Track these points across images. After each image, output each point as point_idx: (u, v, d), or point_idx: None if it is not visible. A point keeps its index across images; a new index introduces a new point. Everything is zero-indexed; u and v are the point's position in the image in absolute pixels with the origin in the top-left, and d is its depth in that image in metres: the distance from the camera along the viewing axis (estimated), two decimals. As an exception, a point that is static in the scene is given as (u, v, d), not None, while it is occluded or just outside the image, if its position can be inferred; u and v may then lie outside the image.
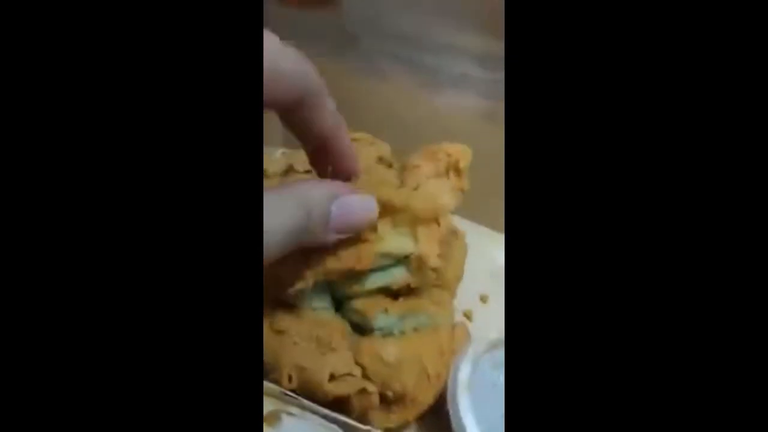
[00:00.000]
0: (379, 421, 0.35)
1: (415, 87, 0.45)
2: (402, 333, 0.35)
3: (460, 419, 0.33)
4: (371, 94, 0.44)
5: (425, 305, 0.36)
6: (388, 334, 0.35)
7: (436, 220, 0.35)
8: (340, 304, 0.36)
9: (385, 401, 0.35)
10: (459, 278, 0.39)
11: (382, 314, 0.35)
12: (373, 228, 0.32)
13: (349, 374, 0.34)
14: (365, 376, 0.34)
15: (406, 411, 0.35)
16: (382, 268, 0.34)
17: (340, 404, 0.34)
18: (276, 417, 0.32)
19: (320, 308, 0.35)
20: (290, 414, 0.32)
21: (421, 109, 0.45)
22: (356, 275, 0.34)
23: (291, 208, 0.27)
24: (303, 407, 0.32)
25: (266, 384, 0.32)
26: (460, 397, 0.34)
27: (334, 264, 0.32)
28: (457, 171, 0.39)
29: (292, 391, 0.33)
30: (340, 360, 0.34)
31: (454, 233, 0.40)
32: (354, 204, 0.30)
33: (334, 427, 0.32)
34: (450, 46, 0.47)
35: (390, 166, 0.42)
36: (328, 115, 0.30)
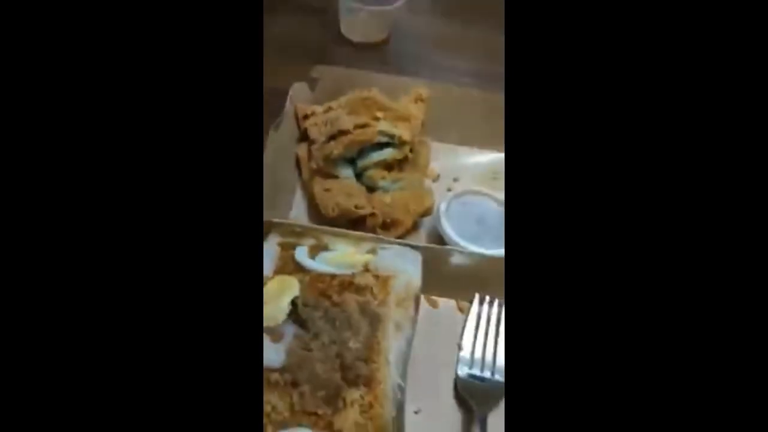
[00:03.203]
0: (384, 234, 0.60)
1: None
2: (395, 191, 0.63)
3: (444, 229, 0.60)
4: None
5: (404, 176, 0.64)
6: (386, 191, 0.63)
7: (409, 119, 0.65)
8: (359, 176, 0.65)
9: (386, 225, 0.61)
10: (427, 166, 0.68)
11: (382, 179, 0.63)
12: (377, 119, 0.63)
13: (364, 207, 0.61)
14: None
15: (398, 229, 0.61)
16: (380, 147, 0.63)
17: (362, 222, 0.61)
18: (374, 251, 0.54)
19: (347, 177, 0.64)
20: (383, 248, 0.54)
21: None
22: (366, 149, 0.63)
23: None
24: (391, 242, 0.55)
25: (363, 234, 0.56)
26: (442, 218, 0.61)
27: (352, 138, 0.62)
28: (422, 100, 0.69)
29: (334, 218, 0.61)
30: (360, 200, 0.62)
31: (423, 142, 0.69)
32: None
33: (415, 251, 0.55)
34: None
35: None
36: None
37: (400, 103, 0.67)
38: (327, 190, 0.62)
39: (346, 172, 0.64)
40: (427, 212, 0.62)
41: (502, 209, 0.63)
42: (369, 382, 0.44)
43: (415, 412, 0.49)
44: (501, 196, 0.63)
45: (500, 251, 0.57)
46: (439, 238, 0.61)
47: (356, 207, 0.60)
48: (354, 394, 0.43)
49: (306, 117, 0.67)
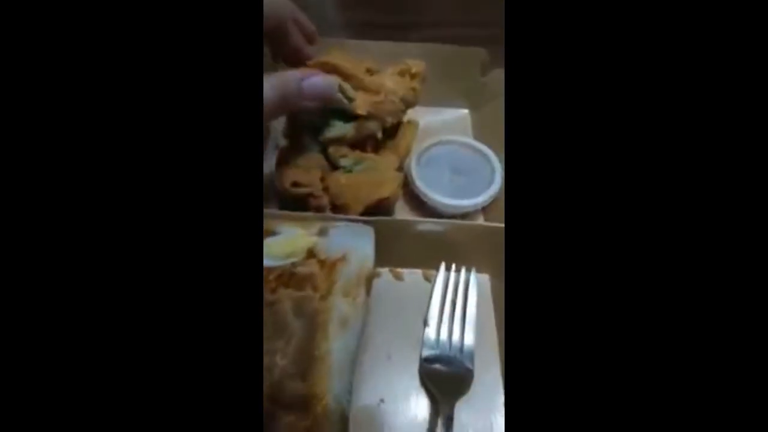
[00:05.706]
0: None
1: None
2: (357, 172, 0.54)
3: (414, 181, 0.57)
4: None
5: (371, 157, 0.54)
6: (348, 171, 0.54)
7: (379, 92, 0.54)
8: (325, 150, 0.55)
9: (335, 209, 0.52)
10: (408, 150, 0.57)
11: (342, 158, 0.54)
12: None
13: (307, 186, 0.52)
14: (325, 189, 0.52)
15: (348, 213, 0.52)
16: (343, 118, 0.53)
17: (304, 200, 0.52)
18: (325, 231, 0.46)
19: (313, 149, 0.54)
20: (335, 226, 0.47)
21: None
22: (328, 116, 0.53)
23: (271, 88, 0.43)
24: (343, 220, 0.49)
25: (308, 214, 0.49)
26: (414, 169, 0.57)
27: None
28: (412, 75, 0.57)
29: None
30: (309, 177, 0.52)
31: (410, 122, 0.59)
32: (318, 82, 0.48)
33: (368, 227, 0.48)
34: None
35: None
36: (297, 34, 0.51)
37: (380, 75, 0.56)
38: (285, 161, 0.54)
39: (312, 146, 0.55)
40: (384, 202, 0.53)
41: (474, 153, 0.56)
42: (305, 403, 0.37)
43: (380, 402, 0.45)
44: (470, 140, 0.58)
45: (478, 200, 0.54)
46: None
47: (294, 184, 0.52)
48: (286, 419, 0.37)
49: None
